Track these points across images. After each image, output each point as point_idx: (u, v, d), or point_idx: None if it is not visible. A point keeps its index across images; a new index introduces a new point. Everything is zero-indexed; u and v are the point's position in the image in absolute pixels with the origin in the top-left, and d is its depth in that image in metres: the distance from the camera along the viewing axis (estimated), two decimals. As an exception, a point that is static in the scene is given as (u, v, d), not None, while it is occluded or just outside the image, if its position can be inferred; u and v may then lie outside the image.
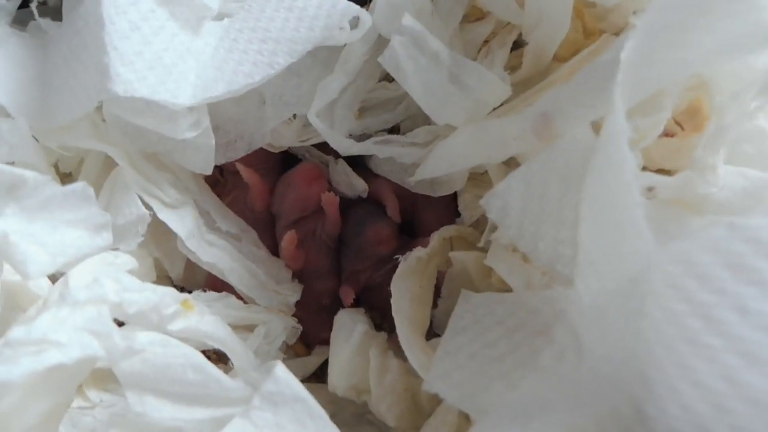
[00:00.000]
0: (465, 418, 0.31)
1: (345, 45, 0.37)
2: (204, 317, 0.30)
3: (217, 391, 0.26)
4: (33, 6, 0.36)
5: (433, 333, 0.39)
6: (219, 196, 0.43)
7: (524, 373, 0.26)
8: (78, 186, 0.26)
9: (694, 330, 0.18)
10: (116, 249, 0.34)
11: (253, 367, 0.31)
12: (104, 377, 0.34)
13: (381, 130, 0.41)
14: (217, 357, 0.38)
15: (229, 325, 0.34)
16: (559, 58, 0.36)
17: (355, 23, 0.36)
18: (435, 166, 0.37)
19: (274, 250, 0.43)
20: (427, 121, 0.40)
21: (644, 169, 0.30)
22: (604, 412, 0.21)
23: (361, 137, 0.40)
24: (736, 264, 0.18)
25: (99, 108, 0.34)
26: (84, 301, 0.25)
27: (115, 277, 0.27)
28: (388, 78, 0.40)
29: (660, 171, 0.32)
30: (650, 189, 0.27)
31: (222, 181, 0.44)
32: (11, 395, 0.23)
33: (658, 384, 0.19)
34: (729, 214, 0.26)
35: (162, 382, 0.26)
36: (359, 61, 0.37)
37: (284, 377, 0.25)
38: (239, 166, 0.41)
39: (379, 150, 0.38)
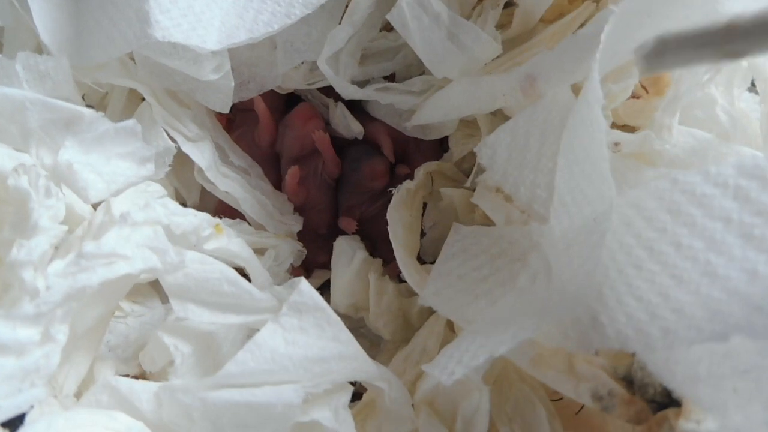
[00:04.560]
0: (450, 330, 0.37)
1: (352, -2, 0.40)
2: (231, 240, 0.35)
3: (249, 301, 0.31)
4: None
5: (420, 261, 0.44)
6: (227, 132, 0.46)
7: (504, 291, 0.31)
8: (128, 123, 0.30)
9: (640, 258, 0.24)
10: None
11: (269, 284, 0.36)
12: (133, 291, 0.39)
13: (380, 77, 0.45)
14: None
15: (243, 248, 0.39)
16: (545, 20, 0.40)
17: (362, -23, 0.39)
18: (429, 113, 0.41)
19: (278, 186, 0.47)
20: (421, 70, 0.44)
21: (612, 126, 0.35)
22: (567, 320, 0.27)
23: (362, 83, 0.43)
24: (675, 210, 0.23)
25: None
26: (141, 222, 0.29)
27: (162, 203, 0.31)
28: (387, 28, 0.44)
29: (624, 127, 0.37)
30: (616, 144, 0.32)
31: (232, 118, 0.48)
32: (80, 301, 0.28)
33: (610, 299, 0.25)
34: (677, 168, 0.32)
35: (201, 293, 0.31)
36: (365, 13, 0.40)
37: (307, 290, 0.30)
38: (257, 100, 0.44)
39: (380, 96, 0.42)
